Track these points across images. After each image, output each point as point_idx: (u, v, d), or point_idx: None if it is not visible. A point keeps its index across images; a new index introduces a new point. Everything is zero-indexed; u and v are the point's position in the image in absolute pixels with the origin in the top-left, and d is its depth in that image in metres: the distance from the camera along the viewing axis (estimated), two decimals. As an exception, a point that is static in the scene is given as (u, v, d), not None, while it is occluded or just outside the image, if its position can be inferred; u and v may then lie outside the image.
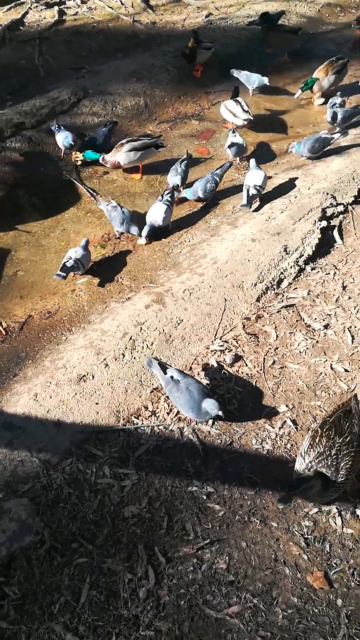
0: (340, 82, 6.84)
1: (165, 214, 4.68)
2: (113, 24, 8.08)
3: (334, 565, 2.65)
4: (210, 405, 3.01)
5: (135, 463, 3.10)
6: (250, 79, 6.53)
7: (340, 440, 2.66)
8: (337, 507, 2.86)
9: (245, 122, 5.91)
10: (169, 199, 4.78)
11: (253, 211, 4.86)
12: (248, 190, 4.79)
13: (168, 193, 4.82)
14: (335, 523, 2.81)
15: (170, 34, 7.93)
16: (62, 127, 5.63)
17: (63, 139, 5.48)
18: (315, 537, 2.76)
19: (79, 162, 5.57)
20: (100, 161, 5.34)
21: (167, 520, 2.83)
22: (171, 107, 6.71)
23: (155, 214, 4.68)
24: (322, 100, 6.75)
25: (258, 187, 4.82)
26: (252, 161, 5.03)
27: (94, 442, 3.20)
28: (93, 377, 3.48)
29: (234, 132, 5.56)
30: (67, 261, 4.23)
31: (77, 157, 5.54)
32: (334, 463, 2.63)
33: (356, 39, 8.03)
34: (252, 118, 5.87)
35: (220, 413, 3.00)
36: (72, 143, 5.46)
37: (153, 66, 7.12)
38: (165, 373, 3.22)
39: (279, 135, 6.23)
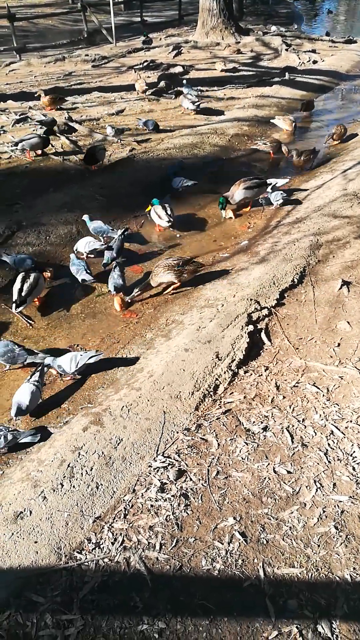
0: (252, 197, 7.60)
1: (32, 395, 4.15)
2: (44, 163, 8.77)
3: None
4: None
5: (79, 606, 2.86)
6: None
7: None
8: (297, 627, 2.70)
9: (169, 224, 6.78)
10: (38, 379, 4.28)
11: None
12: None
13: (37, 371, 4.35)
14: (297, 645, 2.64)
15: (98, 168, 8.68)
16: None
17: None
18: (278, 665, 2.57)
19: None
20: None
21: (117, 671, 2.57)
22: (102, 231, 7.15)
23: (22, 396, 4.14)
24: (231, 214, 7.46)
25: None
26: None
27: (34, 587, 2.95)
28: (31, 512, 3.29)
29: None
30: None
31: None
32: None
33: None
34: (172, 221, 6.77)
35: None
36: None
37: (82, 197, 7.68)
38: None
39: (205, 249, 6.73)
